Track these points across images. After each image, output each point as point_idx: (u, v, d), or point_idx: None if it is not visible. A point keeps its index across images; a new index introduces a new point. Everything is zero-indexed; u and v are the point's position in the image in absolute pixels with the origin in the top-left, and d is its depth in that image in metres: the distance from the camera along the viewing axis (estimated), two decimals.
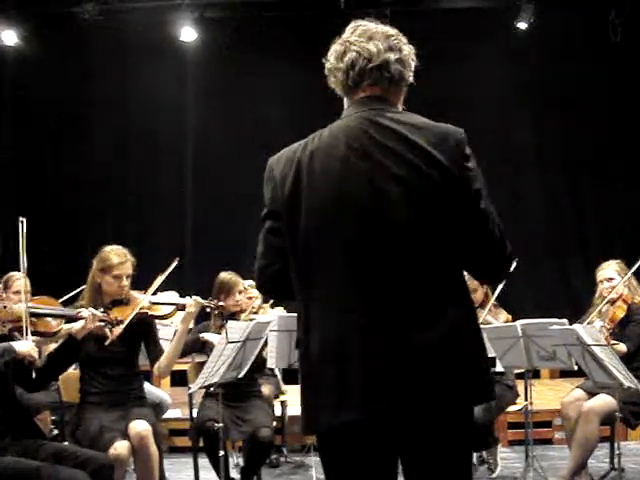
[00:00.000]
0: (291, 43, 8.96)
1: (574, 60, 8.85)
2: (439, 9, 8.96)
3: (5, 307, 3.38)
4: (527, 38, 8.76)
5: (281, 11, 8.84)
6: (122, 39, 8.68)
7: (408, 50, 2.12)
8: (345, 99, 2.17)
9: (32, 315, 3.42)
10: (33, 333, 3.40)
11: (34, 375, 3.31)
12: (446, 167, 1.96)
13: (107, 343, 3.75)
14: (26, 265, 3.45)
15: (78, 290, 4.35)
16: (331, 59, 2.13)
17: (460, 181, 1.97)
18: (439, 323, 1.94)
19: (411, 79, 2.14)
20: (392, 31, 2.11)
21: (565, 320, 4.40)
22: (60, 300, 4.10)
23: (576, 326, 4.26)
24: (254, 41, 8.93)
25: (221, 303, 4.58)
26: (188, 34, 8.69)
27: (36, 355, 3.24)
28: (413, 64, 2.13)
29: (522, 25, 8.68)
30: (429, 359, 1.92)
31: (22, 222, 3.43)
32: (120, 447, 3.75)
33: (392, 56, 2.08)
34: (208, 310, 4.57)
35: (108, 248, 4.14)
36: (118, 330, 3.82)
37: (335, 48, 2.12)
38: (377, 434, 1.98)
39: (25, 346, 3.21)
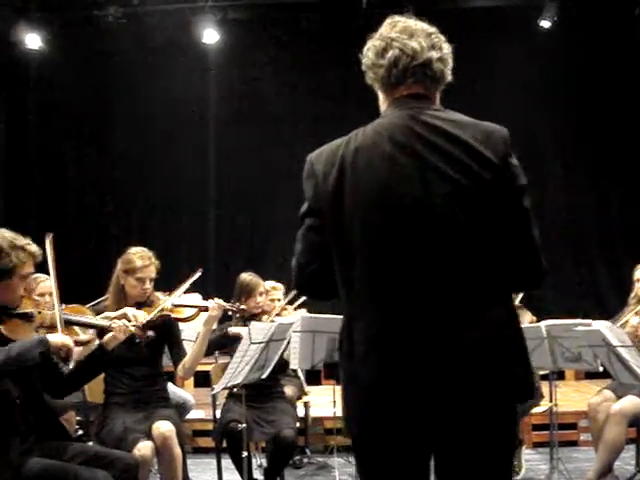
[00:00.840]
0: (313, 43, 8.97)
1: (599, 58, 8.78)
2: (461, 8, 8.93)
3: (40, 312, 3.39)
4: (551, 37, 8.70)
5: (303, 12, 8.85)
6: (145, 42, 8.72)
7: (448, 48, 2.11)
8: (382, 96, 2.14)
9: (65, 322, 3.43)
10: None
11: (70, 365, 3.30)
12: (492, 164, 1.95)
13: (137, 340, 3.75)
14: (55, 283, 3.46)
15: (102, 299, 4.36)
16: (369, 55, 2.10)
17: (505, 178, 1.96)
18: (485, 321, 1.93)
19: (450, 78, 2.13)
20: (431, 29, 2.09)
21: (590, 321, 4.36)
22: (86, 306, 4.10)
23: (602, 327, 4.22)
24: (276, 42, 8.96)
25: (243, 306, 4.58)
26: (211, 36, 8.72)
27: (72, 344, 3.23)
28: (451, 63, 2.12)
29: (545, 24, 8.62)
30: (476, 356, 1.91)
31: (49, 237, 3.41)
32: (144, 447, 3.76)
33: (434, 54, 2.06)
34: (230, 313, 4.57)
35: (133, 250, 4.15)
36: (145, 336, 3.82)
37: (374, 44, 2.09)
38: (421, 431, 1.97)
39: (59, 337, 3.20)
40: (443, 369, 1.91)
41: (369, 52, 2.10)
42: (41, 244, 3.37)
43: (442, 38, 2.10)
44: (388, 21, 2.11)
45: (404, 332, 1.93)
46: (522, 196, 1.99)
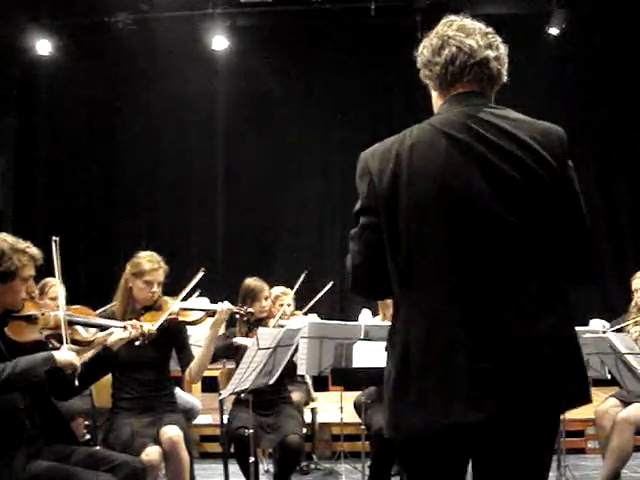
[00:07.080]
0: (322, 51, 8.99)
1: (607, 65, 8.77)
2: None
3: (43, 314, 3.41)
4: (559, 44, 8.70)
5: (312, 19, 8.88)
6: (154, 48, 8.77)
7: (504, 49, 2.11)
8: (436, 93, 2.14)
9: (69, 323, 3.45)
10: (70, 341, 3.41)
11: (76, 383, 3.30)
12: (550, 163, 1.94)
13: (138, 343, 3.74)
14: (63, 288, 3.48)
15: (111, 305, 4.37)
16: (425, 52, 2.10)
17: (562, 179, 1.96)
18: (542, 322, 1.91)
19: (505, 79, 2.12)
20: (488, 29, 2.10)
21: (598, 328, 4.35)
22: (95, 312, 4.11)
23: (610, 334, 4.22)
24: (285, 49, 8.99)
25: (250, 309, 4.58)
26: (220, 42, 8.76)
27: (78, 364, 3.24)
28: (507, 64, 2.11)
29: (554, 31, 8.62)
30: (534, 357, 1.89)
31: (55, 241, 3.43)
32: (152, 452, 3.77)
33: (491, 54, 2.06)
34: (237, 317, 4.58)
35: (142, 254, 4.17)
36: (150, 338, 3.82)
37: (430, 42, 2.09)
38: (473, 436, 1.94)
39: (66, 355, 3.20)
40: (505, 371, 1.88)
41: (424, 50, 2.11)
42: (48, 248, 3.40)
43: (498, 38, 2.11)
44: (444, 20, 2.12)
45: (462, 333, 1.90)
46: (578, 199, 1.99)
